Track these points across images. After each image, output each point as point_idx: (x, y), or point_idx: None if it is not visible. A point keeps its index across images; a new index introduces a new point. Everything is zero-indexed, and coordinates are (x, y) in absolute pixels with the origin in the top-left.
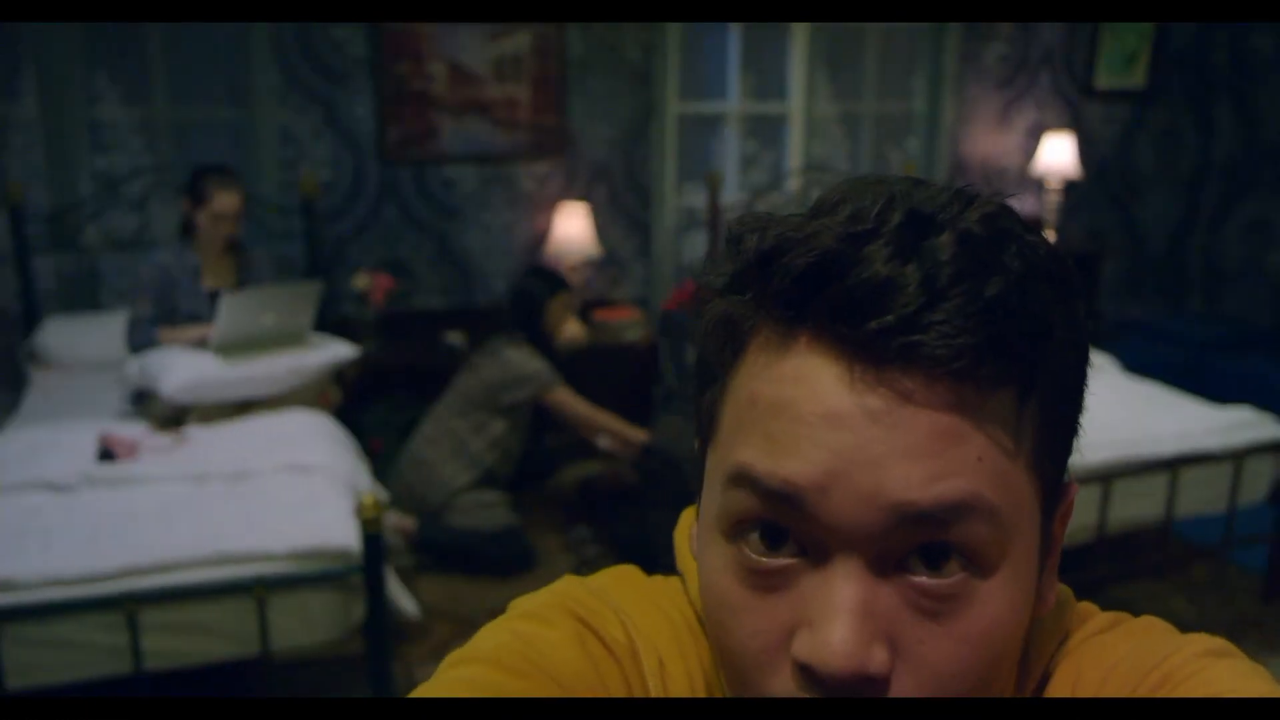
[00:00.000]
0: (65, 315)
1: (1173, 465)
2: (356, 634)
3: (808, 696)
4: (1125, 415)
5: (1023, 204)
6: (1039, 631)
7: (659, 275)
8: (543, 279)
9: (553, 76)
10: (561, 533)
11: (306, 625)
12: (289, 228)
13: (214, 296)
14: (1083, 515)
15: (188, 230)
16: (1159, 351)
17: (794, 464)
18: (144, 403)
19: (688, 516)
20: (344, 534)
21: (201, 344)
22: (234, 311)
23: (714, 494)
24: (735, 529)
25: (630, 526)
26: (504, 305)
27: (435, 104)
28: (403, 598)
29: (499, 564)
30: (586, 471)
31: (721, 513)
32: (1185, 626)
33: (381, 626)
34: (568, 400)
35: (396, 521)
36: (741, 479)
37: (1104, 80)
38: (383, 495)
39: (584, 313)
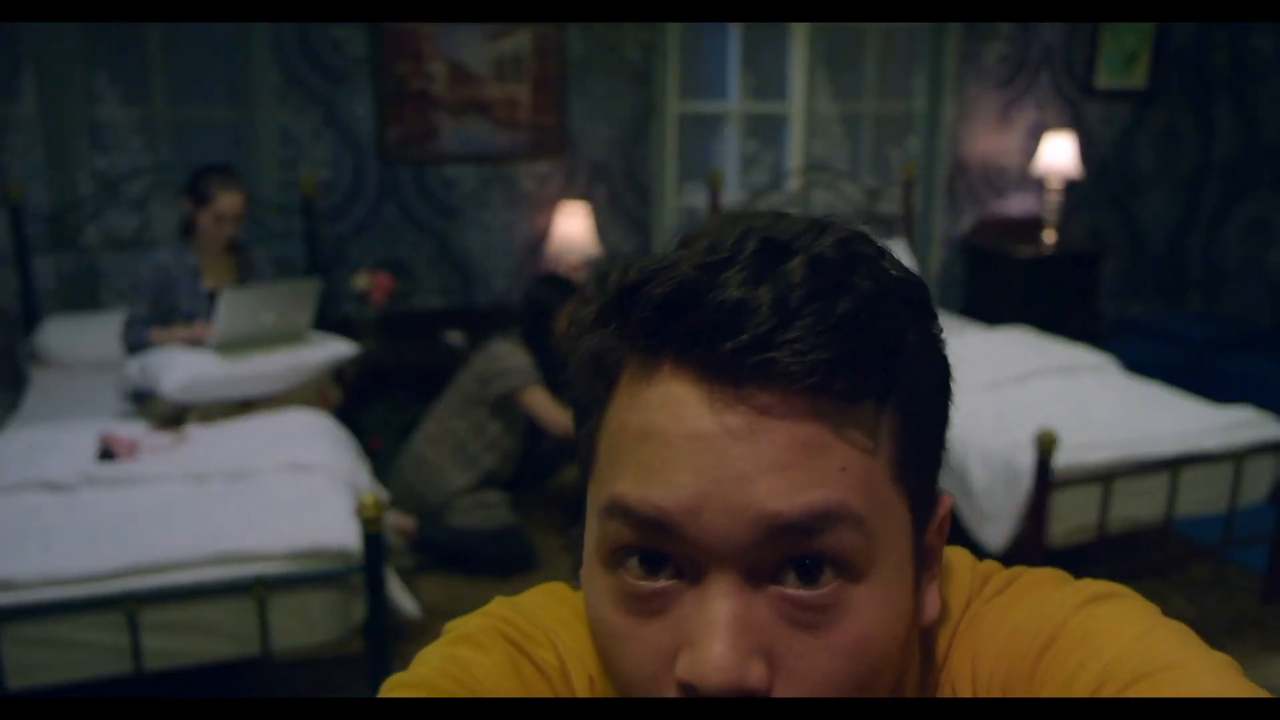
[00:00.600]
0: (65, 315)
1: (1173, 465)
2: (357, 634)
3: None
4: (1125, 415)
5: (1023, 204)
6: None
7: None
8: (553, 287)
9: (553, 76)
10: (561, 533)
11: (307, 625)
12: (289, 228)
13: (214, 296)
14: (1083, 515)
15: (189, 230)
16: (1159, 351)
17: (664, 490)
18: (143, 402)
19: None
20: (344, 534)
21: (194, 342)
22: (233, 310)
23: (593, 525)
24: (613, 557)
25: None
26: (513, 311)
27: (435, 104)
28: (403, 598)
29: (499, 564)
30: None
31: (600, 543)
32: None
33: (381, 626)
34: (540, 402)
35: (396, 521)
36: (615, 509)
37: (1104, 80)
38: (383, 495)
39: None
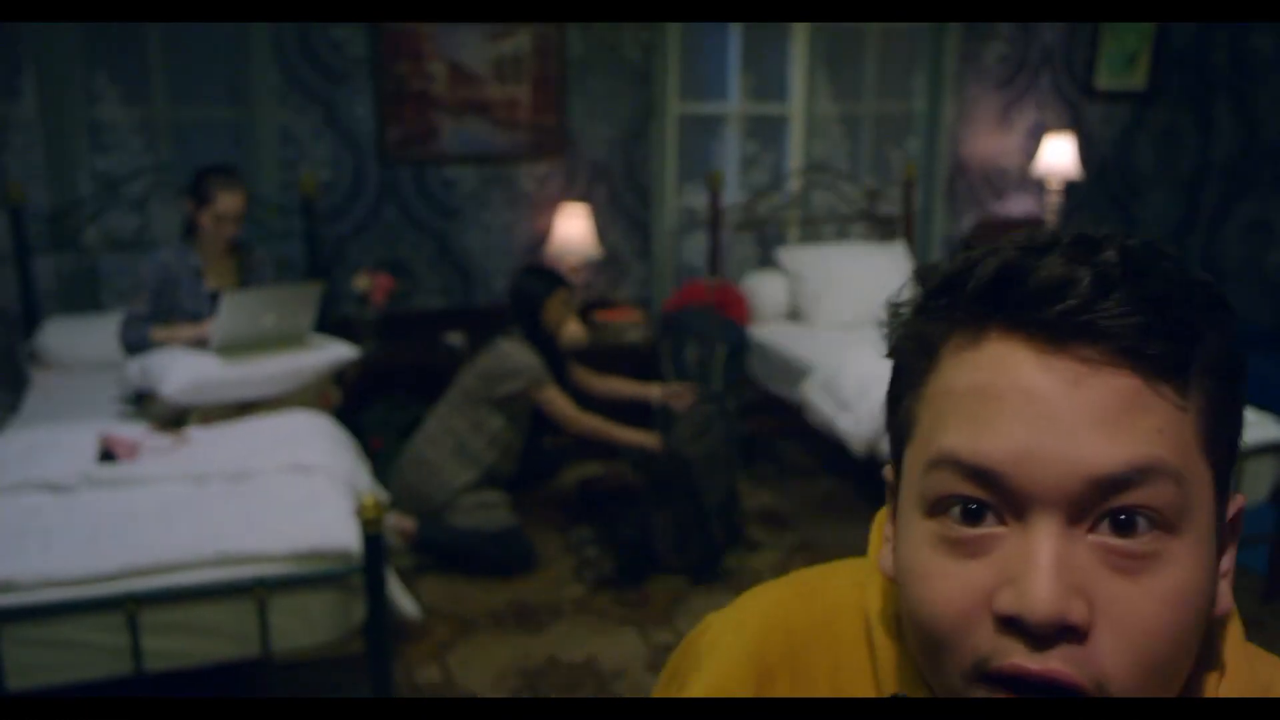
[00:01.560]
0: (65, 315)
1: None
2: (357, 634)
3: (1010, 664)
4: None
5: (1023, 205)
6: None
7: (659, 276)
8: (540, 277)
9: (553, 76)
10: (562, 533)
11: (307, 626)
12: (289, 228)
13: (216, 297)
14: None
15: (190, 231)
16: None
17: (994, 441)
18: (142, 403)
19: (881, 515)
20: (344, 534)
21: (197, 343)
22: (234, 312)
23: (913, 482)
24: (936, 506)
25: (631, 527)
26: (505, 304)
27: (435, 104)
28: (403, 598)
29: (499, 564)
30: (587, 472)
31: (922, 495)
32: None
33: (382, 627)
34: (556, 400)
35: (396, 522)
36: (944, 461)
37: (1104, 80)
38: (383, 495)
39: (584, 313)
